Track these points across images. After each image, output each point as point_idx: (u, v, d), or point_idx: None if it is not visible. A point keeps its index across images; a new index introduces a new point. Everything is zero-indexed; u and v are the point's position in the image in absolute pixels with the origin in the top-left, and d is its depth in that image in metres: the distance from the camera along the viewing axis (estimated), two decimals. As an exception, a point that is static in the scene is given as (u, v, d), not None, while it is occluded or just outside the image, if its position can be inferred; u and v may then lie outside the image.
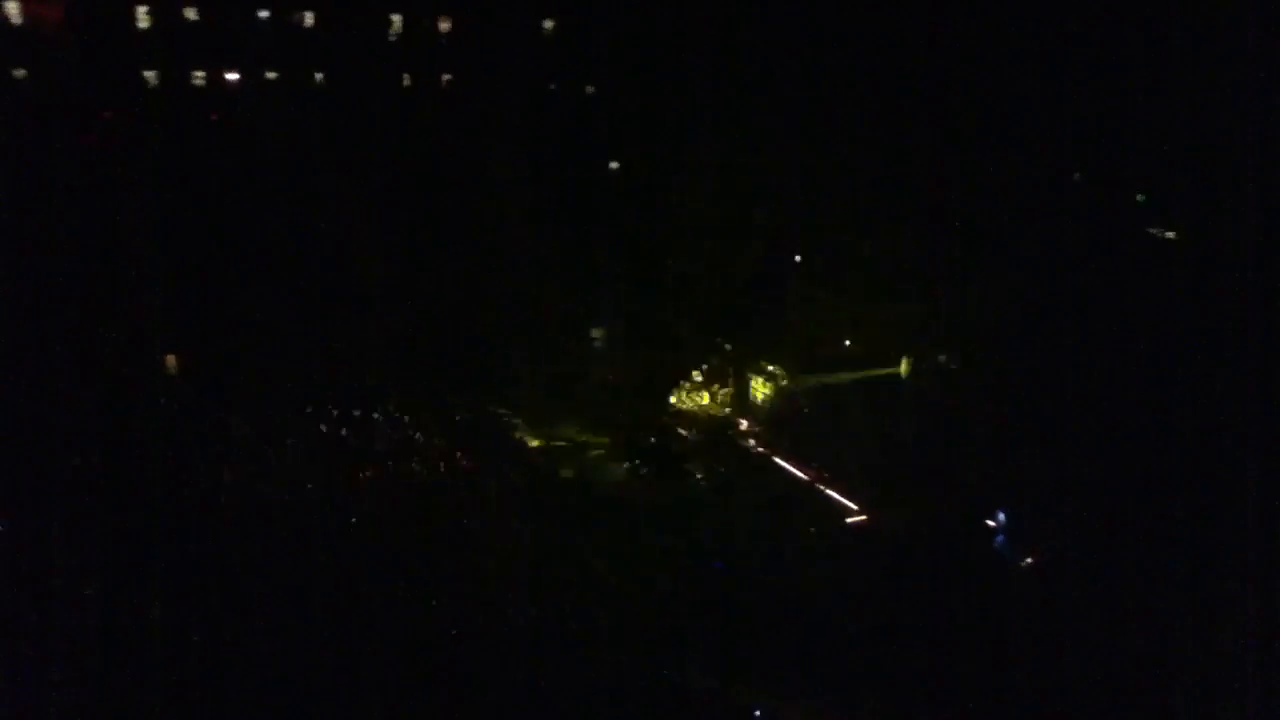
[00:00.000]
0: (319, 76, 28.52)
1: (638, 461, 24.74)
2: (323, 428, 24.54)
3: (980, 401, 24.37)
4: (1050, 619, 19.02)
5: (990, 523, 21.69)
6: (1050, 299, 23.19)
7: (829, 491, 23.48)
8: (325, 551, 19.58)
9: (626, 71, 29.66)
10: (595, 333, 29.86)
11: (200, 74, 27.96)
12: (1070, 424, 21.39)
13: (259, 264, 27.94)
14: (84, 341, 23.68)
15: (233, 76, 28.07)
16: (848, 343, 28.03)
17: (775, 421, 26.23)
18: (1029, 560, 20.82)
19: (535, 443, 25.69)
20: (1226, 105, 20.53)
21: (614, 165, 30.25)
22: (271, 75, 28.10)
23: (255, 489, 21.52)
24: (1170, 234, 22.35)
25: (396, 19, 29.29)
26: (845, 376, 27.03)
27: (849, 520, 22.63)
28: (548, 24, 30.48)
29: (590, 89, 30.45)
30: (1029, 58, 23.98)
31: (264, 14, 28.08)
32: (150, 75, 27.99)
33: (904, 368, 27.42)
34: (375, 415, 25.33)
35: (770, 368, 26.45)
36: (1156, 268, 21.76)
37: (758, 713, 16.97)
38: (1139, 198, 23.04)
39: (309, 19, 28.45)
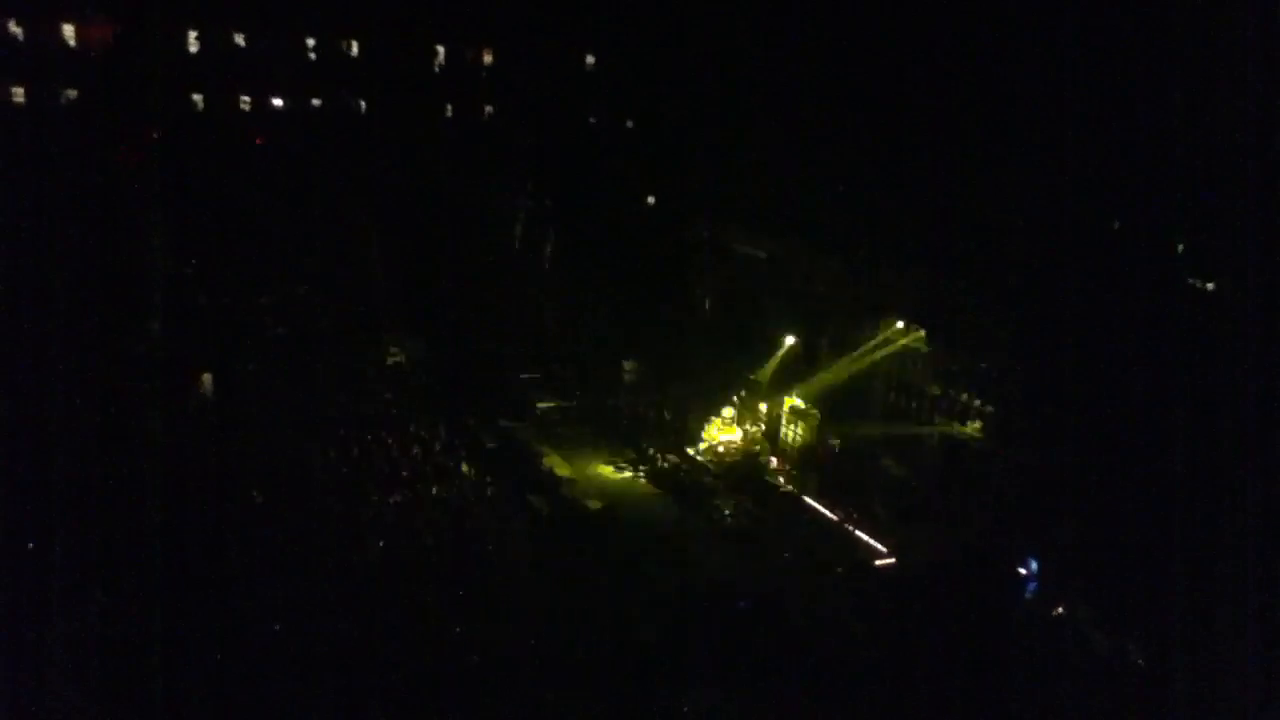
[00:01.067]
0: (363, 104, 29.43)
1: (666, 493, 25.07)
2: (354, 450, 25.08)
3: (1014, 449, 24.27)
4: (1077, 669, 18.95)
5: (1022, 570, 21.52)
6: (1090, 347, 23.05)
7: (857, 533, 23.36)
8: (349, 574, 19.86)
9: (664, 104, 30.10)
10: (628, 365, 30.11)
11: (246, 99, 28.89)
12: (1107, 476, 21.23)
13: (293, 286, 28.44)
14: (116, 358, 24.32)
15: (278, 102, 29.08)
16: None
17: (805, 461, 26.16)
18: (1060, 610, 20.60)
19: (564, 471, 25.92)
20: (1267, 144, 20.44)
21: (650, 200, 30.78)
22: (316, 102, 29.11)
23: (280, 512, 21.74)
24: (1210, 285, 22.12)
25: (440, 50, 30.06)
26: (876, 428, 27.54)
27: (877, 563, 22.48)
28: (589, 59, 31.12)
29: (629, 123, 31.01)
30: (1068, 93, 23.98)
31: (311, 41, 28.95)
32: (197, 99, 28.94)
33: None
34: (404, 440, 25.88)
35: (802, 406, 26.42)
36: (1199, 320, 21.59)
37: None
38: (1179, 247, 22.81)
39: (354, 48, 29.34)
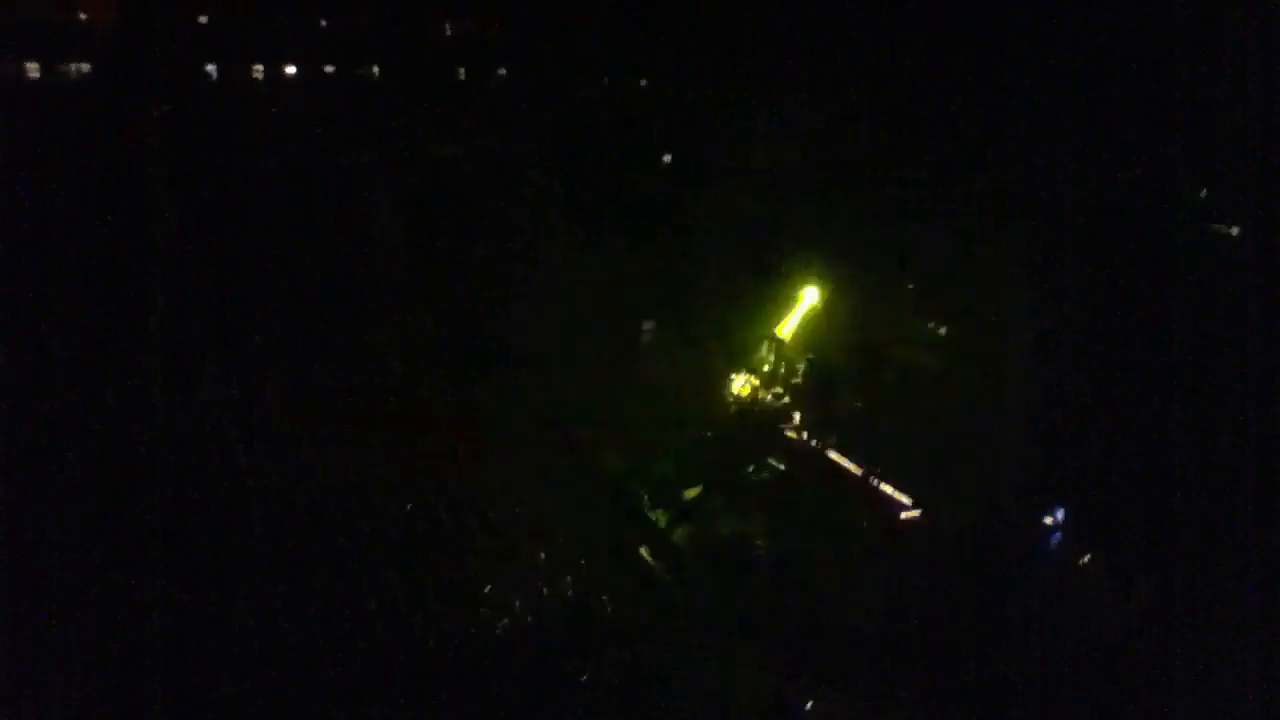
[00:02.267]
0: (375, 70, 29.20)
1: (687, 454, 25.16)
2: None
3: (1037, 396, 24.30)
4: (1104, 621, 19.06)
5: (1048, 519, 21.60)
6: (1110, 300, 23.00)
7: (882, 486, 23.44)
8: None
9: (680, 64, 29.82)
10: (646, 325, 30.02)
11: (259, 68, 28.65)
12: (1131, 421, 21.24)
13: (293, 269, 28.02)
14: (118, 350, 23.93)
15: (291, 70, 28.78)
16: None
17: (825, 414, 26.19)
18: (1086, 559, 20.69)
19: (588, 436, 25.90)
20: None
21: (667, 159, 30.57)
22: (329, 69, 28.84)
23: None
24: (1234, 230, 22.01)
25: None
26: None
27: (903, 516, 22.58)
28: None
29: (644, 82, 30.73)
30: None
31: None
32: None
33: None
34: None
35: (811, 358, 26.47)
36: (1221, 267, 21.48)
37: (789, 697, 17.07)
38: (1201, 193, 22.67)
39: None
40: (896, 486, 23.34)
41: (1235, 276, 21.16)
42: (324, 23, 28.85)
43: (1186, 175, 23.37)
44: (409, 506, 21.45)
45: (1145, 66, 22.89)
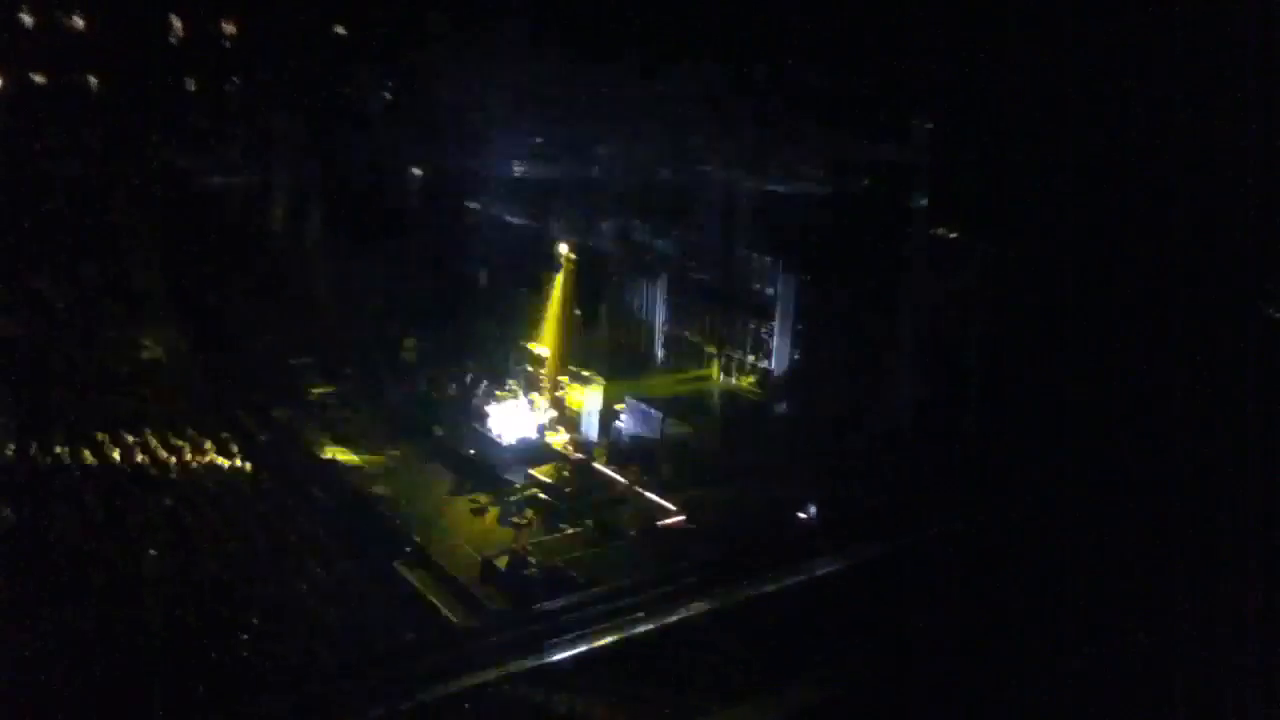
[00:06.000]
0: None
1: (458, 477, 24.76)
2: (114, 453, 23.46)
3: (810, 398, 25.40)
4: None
5: (802, 515, 22.59)
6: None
7: (648, 495, 23.78)
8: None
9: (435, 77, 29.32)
10: (407, 343, 29.37)
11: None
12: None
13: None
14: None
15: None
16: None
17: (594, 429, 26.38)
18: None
19: (345, 457, 25.09)
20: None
21: (416, 172, 29.97)
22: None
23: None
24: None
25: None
26: (659, 382, 27.84)
27: (661, 523, 22.94)
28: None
29: (387, 96, 30.03)
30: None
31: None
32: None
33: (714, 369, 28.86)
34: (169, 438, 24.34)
35: (585, 372, 26.62)
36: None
37: None
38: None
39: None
40: (660, 492, 23.85)
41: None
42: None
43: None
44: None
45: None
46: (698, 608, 18.79)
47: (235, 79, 29.25)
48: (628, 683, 17.12)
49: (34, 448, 22.45)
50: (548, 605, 18.54)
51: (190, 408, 25.78)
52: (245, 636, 17.95)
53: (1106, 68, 21.78)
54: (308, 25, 29.19)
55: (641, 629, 18.05)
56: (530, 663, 16.66)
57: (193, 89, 28.24)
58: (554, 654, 17.03)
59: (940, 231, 25.01)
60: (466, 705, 16.17)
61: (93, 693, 15.48)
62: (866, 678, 17.37)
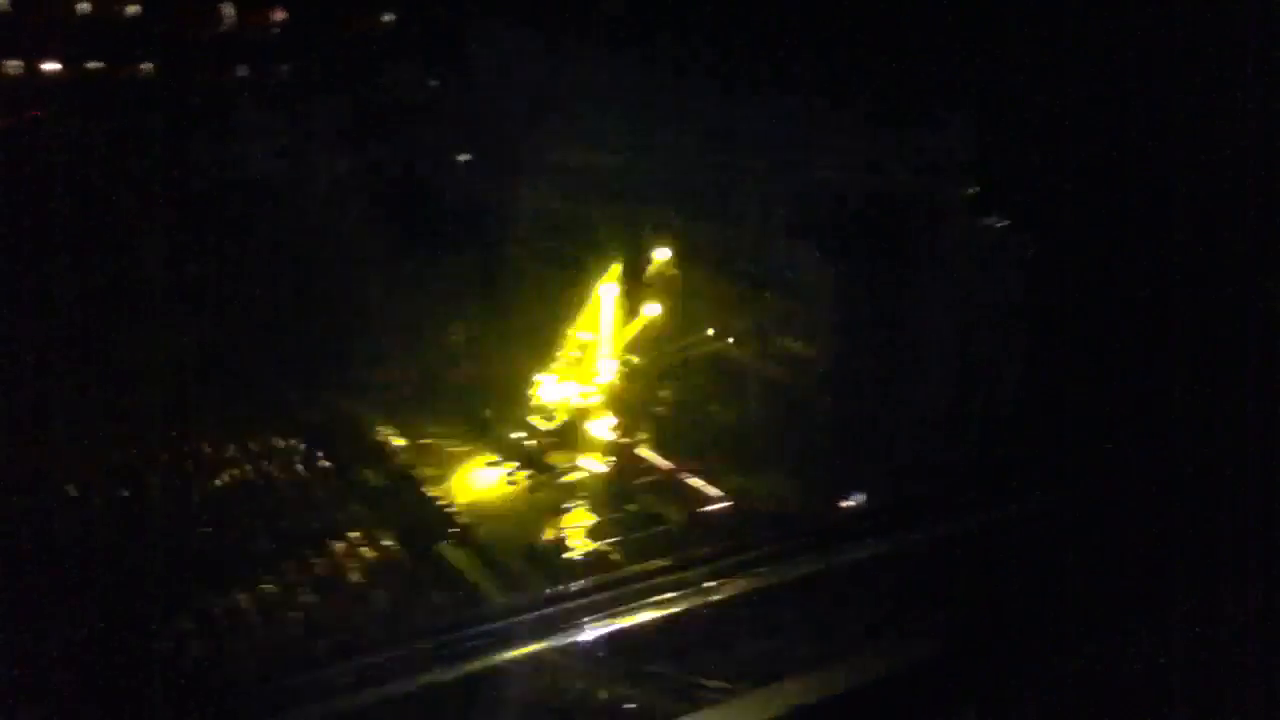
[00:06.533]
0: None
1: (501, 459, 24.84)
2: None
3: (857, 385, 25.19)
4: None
5: (849, 502, 22.42)
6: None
7: (690, 481, 23.75)
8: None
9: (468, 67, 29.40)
10: (454, 327, 29.49)
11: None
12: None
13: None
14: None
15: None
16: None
17: (635, 406, 26.39)
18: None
19: (400, 442, 25.32)
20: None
21: (463, 157, 30.17)
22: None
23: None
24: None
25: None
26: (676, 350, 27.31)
27: (704, 510, 22.90)
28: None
29: (434, 82, 30.26)
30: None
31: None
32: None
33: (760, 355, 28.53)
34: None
35: (634, 359, 26.54)
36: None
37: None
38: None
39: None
40: (705, 478, 23.79)
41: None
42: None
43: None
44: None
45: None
46: (739, 590, 18.91)
47: (284, 66, 29.75)
48: (659, 663, 17.31)
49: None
50: (583, 583, 18.71)
51: (242, 390, 26.10)
52: (293, 614, 18.49)
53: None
54: (355, 11, 29.59)
55: (676, 609, 18.27)
56: (564, 640, 16.96)
57: (243, 75, 28.81)
58: (588, 633, 17.25)
59: (988, 221, 24.79)
60: (501, 681, 16.43)
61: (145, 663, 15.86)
62: (913, 661, 17.32)
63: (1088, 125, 22.02)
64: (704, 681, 16.06)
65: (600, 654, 16.40)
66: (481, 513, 22.23)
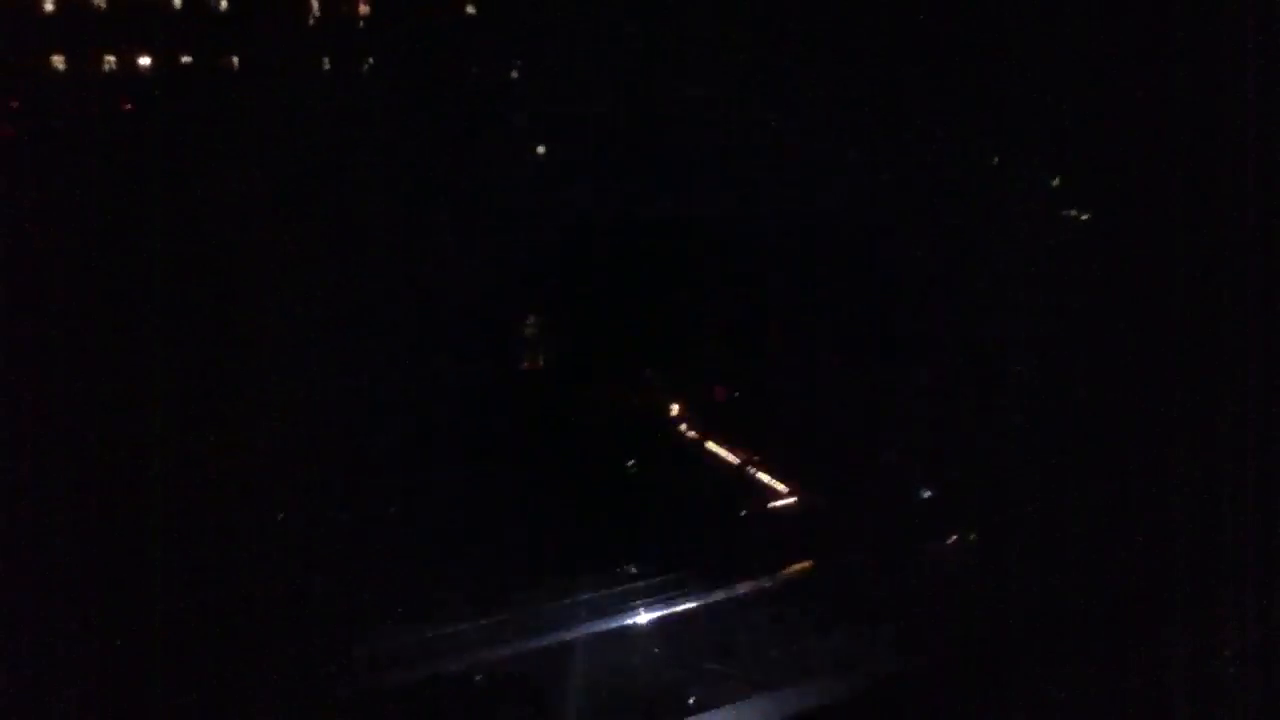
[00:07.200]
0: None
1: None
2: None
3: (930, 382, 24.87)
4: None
5: (919, 499, 22.10)
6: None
7: (757, 474, 23.66)
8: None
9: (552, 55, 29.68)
10: (529, 319, 29.65)
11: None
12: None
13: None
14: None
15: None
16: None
17: (703, 397, 26.42)
18: (953, 538, 21.24)
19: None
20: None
21: (539, 150, 30.22)
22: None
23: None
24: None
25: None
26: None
27: (772, 505, 22.81)
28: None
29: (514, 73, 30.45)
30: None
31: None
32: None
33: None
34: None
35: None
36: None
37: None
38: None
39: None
40: (771, 472, 23.70)
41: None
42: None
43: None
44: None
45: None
46: (795, 581, 18.94)
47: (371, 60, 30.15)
48: (711, 653, 17.44)
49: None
50: (636, 568, 18.90)
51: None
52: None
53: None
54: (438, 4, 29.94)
55: (723, 596, 18.38)
56: (617, 623, 17.30)
57: (329, 68, 29.27)
58: (641, 617, 17.49)
59: (1070, 214, 24.31)
60: (558, 659, 16.76)
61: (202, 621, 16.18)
62: (976, 657, 17.20)
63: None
64: (741, 675, 16.20)
65: (653, 641, 16.62)
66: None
